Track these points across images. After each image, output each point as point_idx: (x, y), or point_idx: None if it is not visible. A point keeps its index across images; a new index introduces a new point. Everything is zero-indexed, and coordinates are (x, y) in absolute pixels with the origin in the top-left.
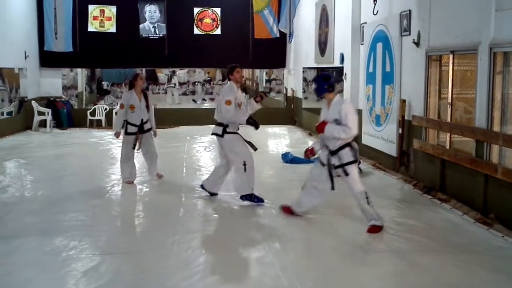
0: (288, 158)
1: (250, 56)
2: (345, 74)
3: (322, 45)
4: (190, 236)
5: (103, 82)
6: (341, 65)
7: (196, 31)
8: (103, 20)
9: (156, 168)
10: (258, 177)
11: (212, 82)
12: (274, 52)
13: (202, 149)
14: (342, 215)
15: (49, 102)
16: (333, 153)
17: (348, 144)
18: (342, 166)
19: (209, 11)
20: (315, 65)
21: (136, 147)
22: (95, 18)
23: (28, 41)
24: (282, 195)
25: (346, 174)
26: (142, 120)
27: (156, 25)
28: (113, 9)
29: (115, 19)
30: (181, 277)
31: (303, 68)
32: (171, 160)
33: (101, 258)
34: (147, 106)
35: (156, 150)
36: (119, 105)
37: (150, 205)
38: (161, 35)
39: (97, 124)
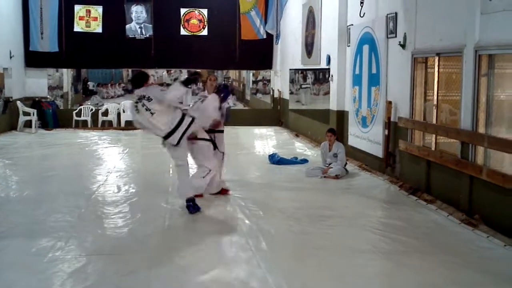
0: (275, 159)
1: (236, 57)
2: (332, 76)
3: (309, 46)
4: (176, 236)
5: (88, 83)
6: (327, 67)
7: (183, 32)
8: (89, 20)
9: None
10: (245, 178)
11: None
12: (261, 53)
13: None
14: (329, 216)
15: (35, 102)
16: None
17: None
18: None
19: (196, 12)
20: (302, 67)
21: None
22: (81, 18)
23: (13, 41)
24: (269, 196)
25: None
26: None
27: (142, 25)
28: (99, 9)
29: (101, 20)
30: (167, 277)
31: (290, 69)
32: (158, 160)
33: (87, 259)
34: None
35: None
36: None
37: (137, 205)
38: (147, 36)
39: (83, 125)
